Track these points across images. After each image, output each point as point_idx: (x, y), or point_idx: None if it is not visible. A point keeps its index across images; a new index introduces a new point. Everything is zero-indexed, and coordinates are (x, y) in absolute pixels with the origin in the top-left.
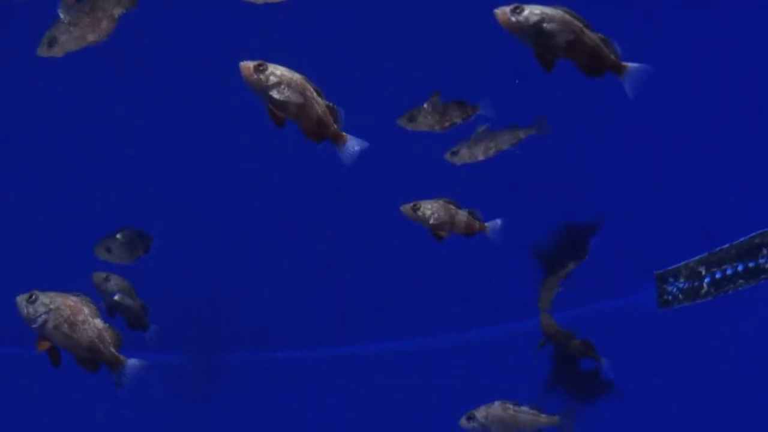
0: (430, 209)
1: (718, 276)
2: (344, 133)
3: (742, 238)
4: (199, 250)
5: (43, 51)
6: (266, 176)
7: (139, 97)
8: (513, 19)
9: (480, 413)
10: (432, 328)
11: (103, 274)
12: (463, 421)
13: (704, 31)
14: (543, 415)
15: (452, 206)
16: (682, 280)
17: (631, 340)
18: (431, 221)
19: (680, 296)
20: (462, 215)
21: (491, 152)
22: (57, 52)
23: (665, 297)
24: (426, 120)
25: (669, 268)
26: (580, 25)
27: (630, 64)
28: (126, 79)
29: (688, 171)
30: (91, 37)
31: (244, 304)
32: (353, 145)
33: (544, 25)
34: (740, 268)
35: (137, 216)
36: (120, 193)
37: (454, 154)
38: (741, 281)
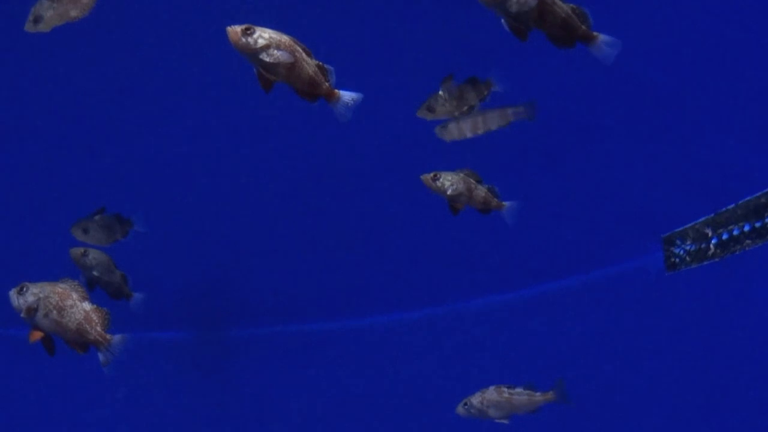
0: (450, 180)
1: (725, 237)
2: (336, 90)
3: (748, 197)
4: (203, 228)
5: (29, 27)
6: (269, 152)
7: (132, 75)
8: None
9: (476, 399)
10: (434, 299)
11: (80, 250)
12: (459, 408)
13: None
14: (538, 394)
15: (472, 180)
16: (689, 242)
17: (639, 304)
18: (449, 192)
19: (687, 258)
20: (481, 190)
21: (480, 131)
22: (43, 27)
23: (672, 259)
24: (444, 108)
25: (676, 230)
26: None
27: (601, 36)
28: (115, 56)
29: (693, 132)
30: (73, 13)
31: (250, 279)
32: (347, 99)
33: None
34: (747, 228)
35: (139, 196)
36: (123, 174)
37: (444, 129)
38: (748, 242)
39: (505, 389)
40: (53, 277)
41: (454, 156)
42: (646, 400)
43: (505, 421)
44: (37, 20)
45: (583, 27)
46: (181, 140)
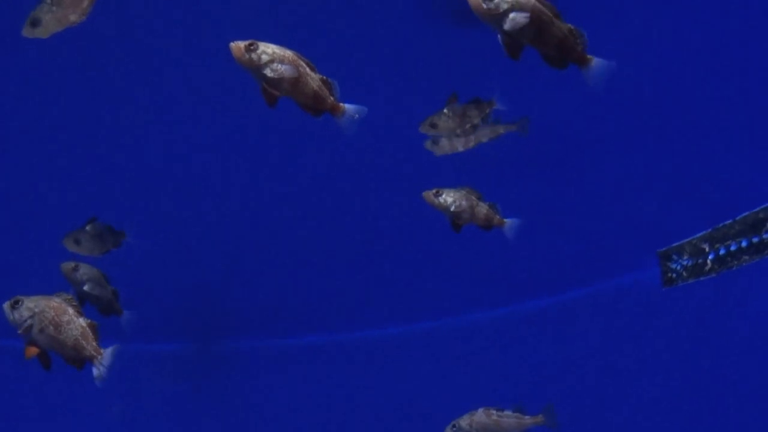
0: (452, 197)
1: (722, 252)
2: (341, 104)
3: (746, 213)
4: (198, 240)
5: (27, 32)
6: (266, 164)
7: (133, 81)
8: (484, 6)
9: (464, 421)
10: (430, 313)
11: (71, 264)
12: (447, 430)
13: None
14: (527, 417)
15: (474, 197)
16: (685, 257)
17: (635, 319)
18: (452, 209)
19: (684, 274)
20: (482, 207)
21: (471, 144)
22: (41, 33)
23: (669, 275)
24: (447, 124)
25: (672, 245)
26: (550, 14)
27: (595, 59)
28: (111, 64)
29: (690, 148)
30: (72, 17)
31: (246, 292)
32: (352, 113)
33: (514, 13)
34: (744, 243)
35: (134, 206)
36: (117, 185)
37: (435, 144)
38: (745, 257)
39: (494, 412)
40: (43, 290)
41: (451, 170)
42: (643, 416)
43: None
44: (35, 24)
45: (579, 49)
46: (178, 151)
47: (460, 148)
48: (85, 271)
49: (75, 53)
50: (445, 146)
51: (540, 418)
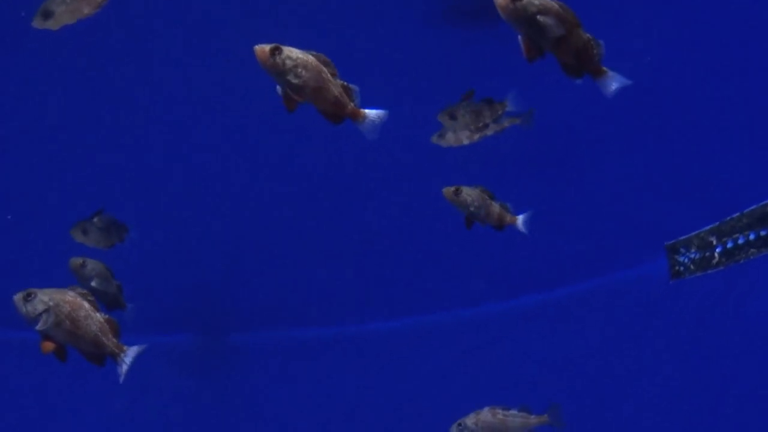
0: (471, 196)
1: (729, 245)
2: (361, 110)
3: (754, 206)
4: (204, 233)
5: (38, 23)
6: (271, 158)
7: (135, 79)
8: (512, 5)
9: (470, 420)
10: (437, 306)
11: (79, 260)
12: (453, 429)
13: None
14: (532, 417)
15: (487, 196)
16: (693, 250)
17: (643, 312)
18: (472, 208)
19: (692, 267)
20: (495, 206)
21: (476, 137)
22: (52, 24)
23: (677, 268)
24: (464, 118)
25: (680, 238)
26: (573, 22)
27: (609, 72)
28: (119, 60)
29: (698, 142)
30: (86, 10)
31: (250, 285)
32: (373, 118)
33: (540, 17)
34: (752, 236)
35: (141, 199)
36: (123, 180)
37: (441, 137)
38: (753, 250)
39: (500, 411)
40: (50, 284)
41: (458, 166)
42: (651, 408)
43: None
44: (46, 16)
45: (596, 60)
46: (184, 146)
47: (466, 141)
48: (92, 266)
49: (78, 51)
50: (451, 139)
51: (545, 418)
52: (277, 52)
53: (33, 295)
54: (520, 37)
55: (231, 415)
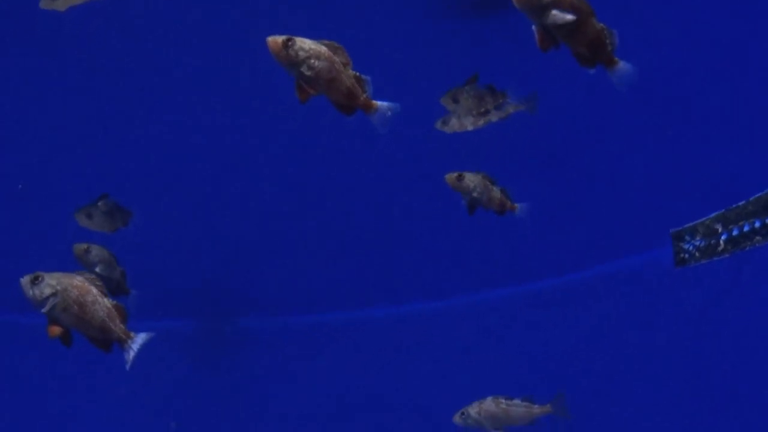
0: (473, 181)
1: (735, 233)
2: (374, 101)
3: (760, 194)
4: (210, 218)
5: (45, 4)
6: (279, 144)
7: (138, 64)
8: None
9: (473, 409)
10: (443, 292)
11: (83, 246)
12: (456, 418)
13: None
14: (536, 406)
15: (488, 182)
16: (698, 237)
17: (647, 299)
18: (474, 194)
19: (697, 254)
20: (497, 192)
21: (480, 123)
22: (59, 5)
23: (681, 255)
24: (467, 102)
25: (685, 226)
26: (588, 11)
27: (621, 63)
28: (123, 45)
29: (703, 128)
30: None
31: (255, 271)
32: (385, 110)
33: (556, 10)
34: (757, 224)
35: (147, 185)
36: (129, 165)
37: (445, 123)
38: (758, 238)
39: (503, 400)
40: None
41: (461, 154)
42: (654, 396)
43: None
44: None
45: (609, 50)
46: (189, 131)
47: (470, 127)
48: (96, 252)
49: (84, 34)
50: (455, 125)
51: (549, 408)
52: (290, 44)
53: (40, 279)
54: (534, 26)
55: (234, 400)
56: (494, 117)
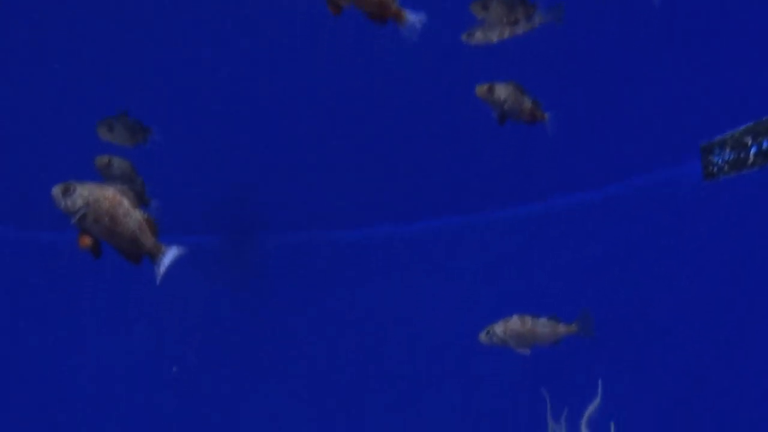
0: (504, 92)
1: (765, 146)
2: (404, 11)
3: None
4: (233, 134)
5: None
6: (300, 61)
7: None
8: None
9: (498, 328)
10: (469, 208)
11: (105, 158)
12: (482, 336)
13: None
14: (561, 325)
15: (520, 92)
16: (727, 150)
17: (676, 213)
18: (505, 106)
19: (726, 167)
20: (528, 102)
21: (506, 35)
22: None
23: (710, 168)
24: (497, 10)
25: (714, 139)
26: None
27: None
28: None
29: (733, 40)
30: None
31: (279, 186)
32: (414, 20)
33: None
34: None
35: (169, 100)
36: (155, 81)
37: (470, 35)
38: None
39: (529, 319)
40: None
41: (491, 68)
42: (681, 311)
43: (526, 352)
44: None
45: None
46: (213, 46)
47: (495, 40)
48: (118, 164)
49: None
50: (480, 37)
51: (574, 327)
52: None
53: (72, 189)
54: None
55: (258, 316)
56: (520, 29)
